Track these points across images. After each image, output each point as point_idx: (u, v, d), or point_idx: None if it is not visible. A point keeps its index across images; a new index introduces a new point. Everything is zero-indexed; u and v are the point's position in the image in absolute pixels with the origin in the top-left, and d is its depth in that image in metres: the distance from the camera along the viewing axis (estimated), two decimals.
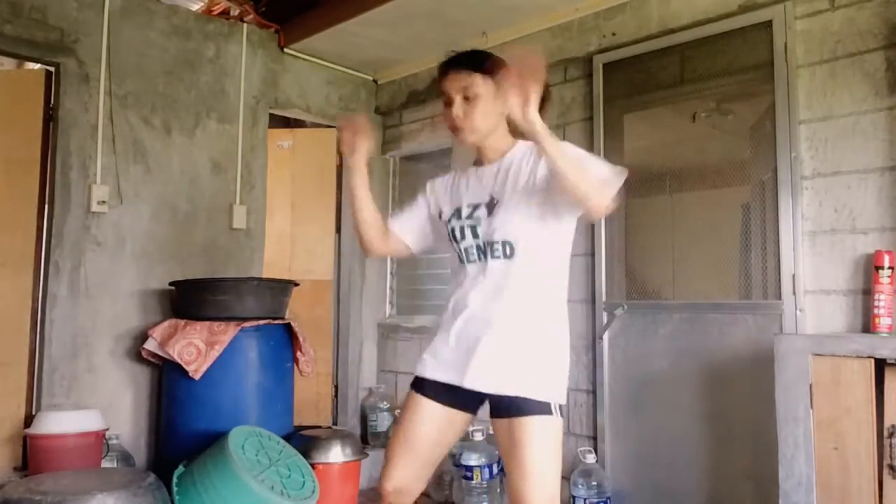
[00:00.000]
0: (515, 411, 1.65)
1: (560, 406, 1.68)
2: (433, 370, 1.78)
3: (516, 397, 1.66)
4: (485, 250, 1.75)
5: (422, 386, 1.81)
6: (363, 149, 1.83)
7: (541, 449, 1.64)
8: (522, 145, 1.81)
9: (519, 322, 1.71)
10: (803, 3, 2.64)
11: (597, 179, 1.60)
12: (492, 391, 1.70)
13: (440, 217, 1.89)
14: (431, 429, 1.79)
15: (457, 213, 1.83)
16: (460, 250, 1.80)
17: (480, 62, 1.75)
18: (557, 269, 1.78)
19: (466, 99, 1.74)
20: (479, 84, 1.73)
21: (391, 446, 1.84)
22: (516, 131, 1.75)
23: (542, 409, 1.65)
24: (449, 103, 1.77)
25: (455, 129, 1.78)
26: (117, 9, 3.30)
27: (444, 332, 1.79)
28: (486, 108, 1.75)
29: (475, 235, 1.77)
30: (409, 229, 1.97)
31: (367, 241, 1.93)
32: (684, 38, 2.94)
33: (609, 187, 1.61)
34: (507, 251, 1.72)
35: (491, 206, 1.76)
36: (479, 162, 1.87)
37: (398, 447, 1.81)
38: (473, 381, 1.70)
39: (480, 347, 1.70)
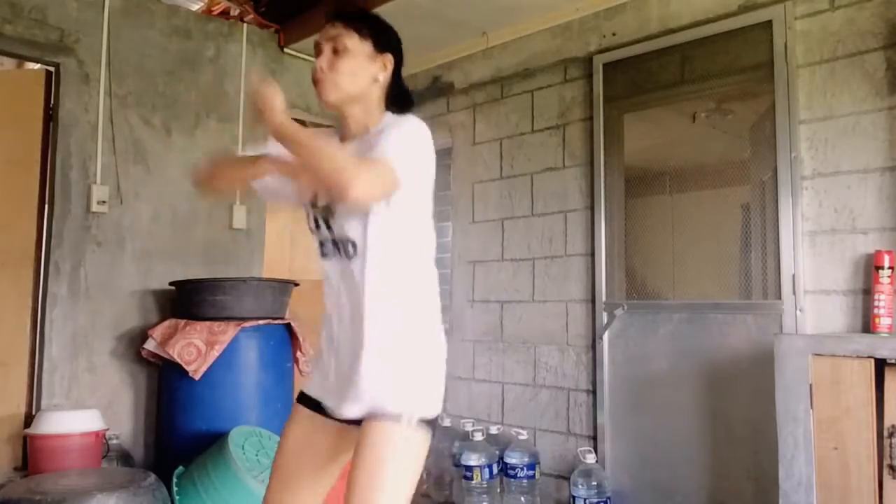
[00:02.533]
0: (365, 419, 1.46)
1: (418, 418, 1.45)
2: (310, 386, 1.63)
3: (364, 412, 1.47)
4: (338, 247, 1.54)
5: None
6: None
7: (381, 456, 1.42)
8: (386, 119, 1.58)
9: (372, 333, 1.48)
10: (803, 3, 2.64)
11: (336, 165, 1.38)
12: (341, 415, 1.52)
13: None
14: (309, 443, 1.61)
15: (314, 199, 1.59)
16: (317, 243, 1.59)
17: (360, 19, 1.57)
18: (411, 270, 1.54)
19: (336, 52, 1.54)
20: (354, 40, 1.54)
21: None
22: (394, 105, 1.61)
23: (392, 416, 1.44)
24: (318, 54, 1.57)
25: (315, 82, 1.56)
26: (117, 9, 3.30)
27: (321, 342, 1.64)
28: (354, 67, 1.54)
29: (329, 228, 1.55)
30: (270, 188, 1.69)
31: (208, 188, 1.78)
32: (684, 38, 2.94)
33: (372, 171, 1.39)
34: (351, 250, 1.51)
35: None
36: (340, 136, 1.63)
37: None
38: (332, 402, 1.54)
39: (336, 366, 1.55)
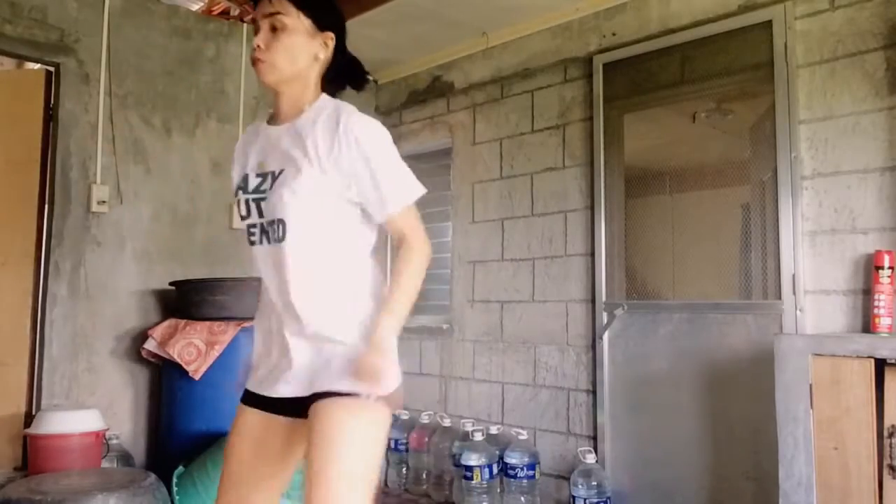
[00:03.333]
0: (314, 400, 1.40)
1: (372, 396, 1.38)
2: (251, 382, 1.58)
3: (314, 393, 1.42)
4: (266, 231, 1.48)
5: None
6: None
7: (334, 428, 1.35)
8: (323, 102, 1.52)
9: (301, 318, 1.44)
10: (803, 3, 2.64)
11: (422, 257, 1.45)
12: (279, 395, 1.48)
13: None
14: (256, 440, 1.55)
15: (244, 182, 1.54)
16: (246, 230, 1.53)
17: None
18: (346, 254, 1.49)
19: (274, 30, 1.47)
20: (291, 15, 1.47)
21: None
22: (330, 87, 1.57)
23: (345, 393, 1.38)
24: (255, 31, 1.50)
25: (253, 62, 1.49)
26: (117, 9, 3.30)
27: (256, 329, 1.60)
28: (292, 45, 1.47)
29: (260, 213, 1.49)
30: None
31: None
32: (684, 38, 2.94)
33: (421, 245, 1.46)
34: (280, 230, 1.45)
35: (274, 177, 1.48)
36: (273, 118, 1.57)
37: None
38: (269, 389, 1.51)
39: (275, 351, 1.51)
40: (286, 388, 1.47)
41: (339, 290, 1.47)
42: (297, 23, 1.47)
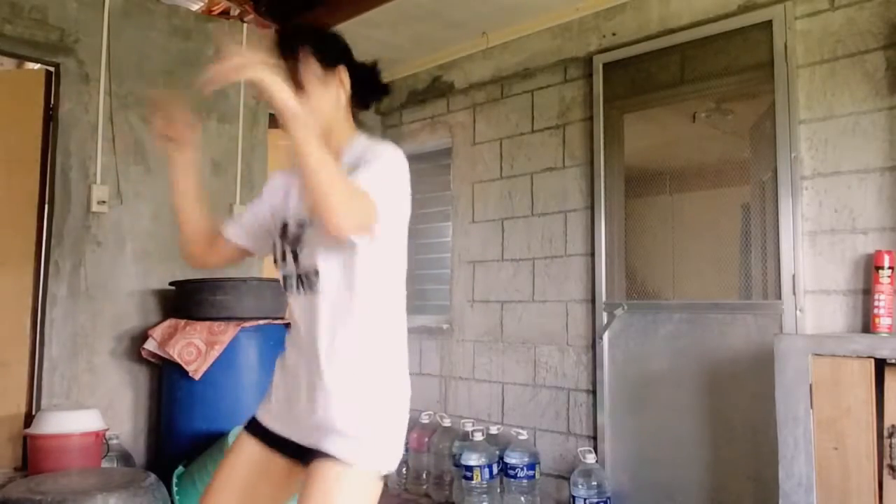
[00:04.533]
0: (313, 457, 1.37)
1: (371, 468, 1.36)
2: (262, 414, 1.55)
3: (315, 449, 1.37)
4: (302, 281, 1.44)
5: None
6: (184, 138, 1.58)
7: (329, 495, 1.31)
8: (357, 144, 1.48)
9: (330, 370, 1.39)
10: (803, 3, 2.64)
11: (351, 190, 1.29)
12: (295, 440, 1.45)
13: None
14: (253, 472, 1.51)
15: (283, 231, 1.51)
16: (281, 278, 1.50)
17: (294, 52, 1.45)
18: (377, 309, 1.43)
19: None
20: (300, 76, 1.43)
21: None
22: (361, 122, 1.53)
23: (343, 456, 1.34)
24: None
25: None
26: (117, 9, 3.30)
27: (278, 369, 1.57)
28: (314, 104, 1.44)
29: (295, 261, 1.45)
30: (248, 234, 1.65)
31: (188, 250, 1.64)
32: (684, 38, 2.94)
33: (362, 202, 1.30)
34: (314, 283, 1.41)
35: (309, 225, 1.43)
36: None
37: None
38: (283, 430, 1.48)
39: (292, 397, 1.47)
40: (296, 432, 1.44)
41: (368, 342, 1.41)
42: (308, 79, 1.44)
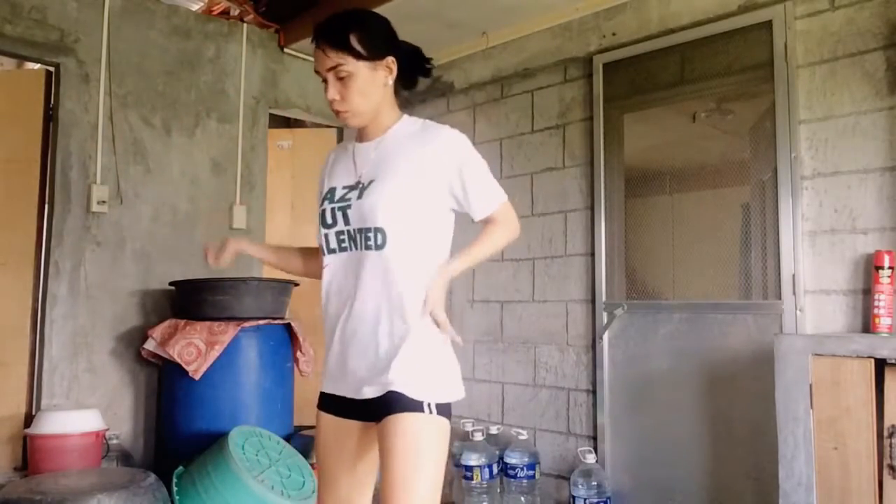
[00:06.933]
0: (385, 411, 1.49)
1: (437, 405, 1.50)
2: (326, 384, 1.67)
3: (382, 397, 1.50)
4: (354, 238, 1.56)
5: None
6: (230, 255, 1.80)
7: (414, 450, 1.45)
8: (409, 121, 1.65)
9: (389, 319, 1.53)
10: (803, 3, 2.64)
11: (507, 234, 1.64)
12: (359, 397, 1.55)
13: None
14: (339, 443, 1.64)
15: (330, 194, 1.63)
16: (327, 237, 1.61)
17: (344, 38, 1.53)
18: (433, 260, 1.58)
19: (341, 79, 1.55)
20: (350, 62, 1.53)
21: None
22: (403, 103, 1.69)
23: (413, 406, 1.48)
24: (324, 82, 1.58)
25: (337, 114, 1.60)
26: (117, 9, 3.30)
27: (329, 337, 1.66)
28: (362, 87, 1.55)
29: (346, 221, 1.57)
30: None
31: (312, 276, 1.77)
32: (684, 38, 2.94)
33: (513, 225, 1.65)
34: (378, 240, 1.53)
35: (363, 188, 1.57)
36: (359, 137, 1.68)
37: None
38: (346, 390, 1.59)
39: (352, 351, 1.57)
40: (369, 390, 1.53)
41: (420, 296, 1.54)
42: (357, 66, 1.54)
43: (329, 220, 1.60)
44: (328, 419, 1.64)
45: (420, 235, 1.55)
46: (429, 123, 1.62)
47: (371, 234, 1.53)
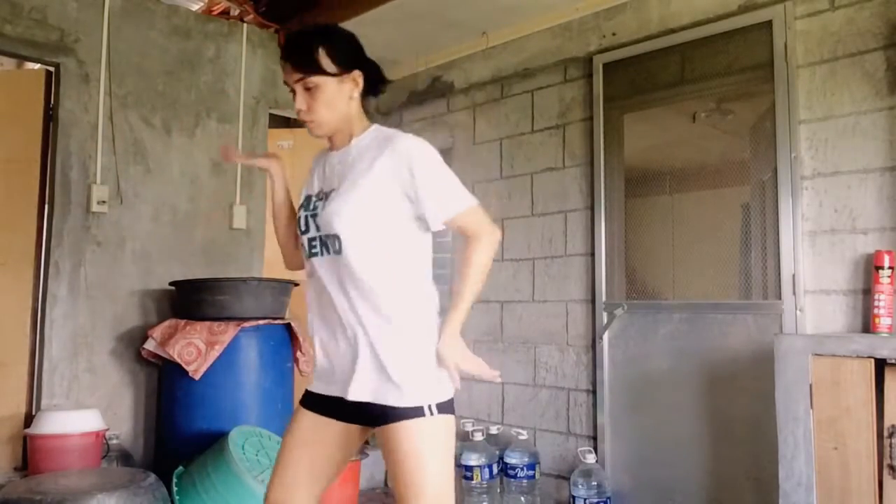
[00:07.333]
0: (382, 420, 1.53)
1: (438, 405, 1.53)
2: (314, 384, 1.70)
3: (378, 406, 1.54)
4: (325, 243, 1.61)
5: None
6: (257, 163, 1.87)
7: (417, 453, 1.49)
8: (375, 132, 1.66)
9: (361, 325, 1.57)
10: (803, 3, 2.64)
11: (486, 245, 1.66)
12: (348, 398, 1.57)
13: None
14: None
15: (305, 202, 1.70)
16: (305, 243, 1.67)
17: (310, 55, 1.58)
18: (399, 261, 1.61)
19: (308, 90, 1.60)
20: (317, 76, 1.59)
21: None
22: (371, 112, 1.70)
23: (413, 413, 1.51)
24: (293, 94, 1.64)
25: (302, 123, 1.66)
26: (117, 9, 3.30)
27: (314, 339, 1.70)
28: (328, 99, 1.60)
29: (317, 228, 1.63)
30: None
31: (287, 256, 1.85)
32: (684, 38, 2.94)
33: (486, 232, 1.66)
34: (337, 246, 1.58)
35: (328, 196, 1.62)
36: (330, 146, 1.73)
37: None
38: (334, 390, 1.62)
39: (334, 354, 1.63)
40: (359, 392, 1.56)
41: (395, 299, 1.58)
42: (324, 79, 1.59)
43: (303, 227, 1.66)
44: (309, 416, 1.66)
45: (380, 243, 1.59)
46: (392, 133, 1.64)
47: (333, 240, 1.59)
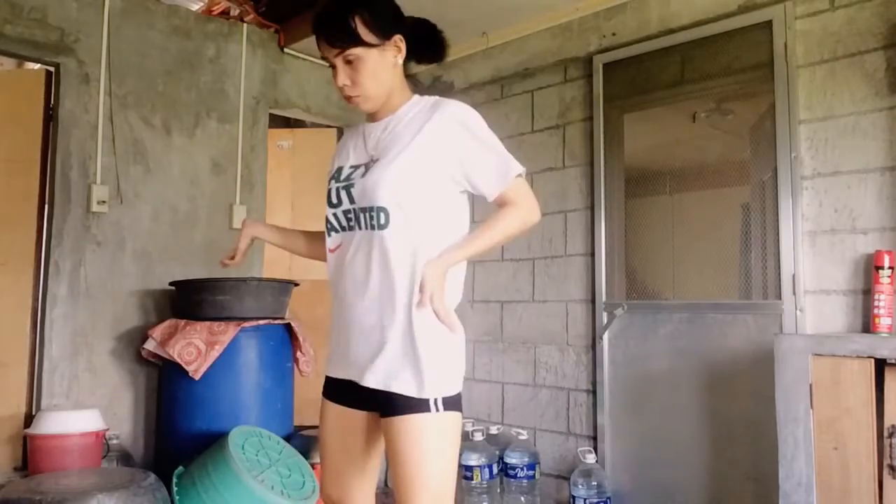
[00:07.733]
0: (388, 410, 1.47)
1: (444, 400, 1.46)
2: (331, 368, 1.63)
3: (386, 393, 1.47)
4: (359, 217, 1.51)
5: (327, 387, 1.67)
6: (245, 243, 1.79)
7: (412, 450, 1.44)
8: (419, 100, 1.59)
9: (392, 305, 1.48)
10: (803, 3, 2.64)
11: (521, 217, 1.57)
12: (362, 383, 1.51)
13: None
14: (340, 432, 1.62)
15: (337, 173, 1.60)
16: (335, 216, 1.57)
17: (348, 25, 1.47)
18: (441, 245, 1.51)
19: (349, 63, 1.50)
20: (357, 45, 1.48)
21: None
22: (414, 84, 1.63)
23: (419, 406, 1.44)
24: (332, 69, 1.54)
25: (348, 99, 1.55)
26: (117, 9, 3.29)
27: (335, 318, 1.62)
28: (371, 70, 1.51)
29: (351, 200, 1.53)
30: None
31: (319, 258, 1.75)
32: (684, 38, 2.94)
33: (526, 207, 1.57)
34: (376, 219, 1.48)
35: (368, 167, 1.52)
36: (370, 118, 1.64)
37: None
38: (349, 373, 1.55)
39: (355, 335, 1.53)
40: (372, 378, 1.49)
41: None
42: (365, 49, 1.50)
43: (334, 200, 1.56)
44: (334, 410, 1.61)
45: (426, 216, 1.49)
46: (439, 100, 1.57)
47: (374, 214, 1.48)
